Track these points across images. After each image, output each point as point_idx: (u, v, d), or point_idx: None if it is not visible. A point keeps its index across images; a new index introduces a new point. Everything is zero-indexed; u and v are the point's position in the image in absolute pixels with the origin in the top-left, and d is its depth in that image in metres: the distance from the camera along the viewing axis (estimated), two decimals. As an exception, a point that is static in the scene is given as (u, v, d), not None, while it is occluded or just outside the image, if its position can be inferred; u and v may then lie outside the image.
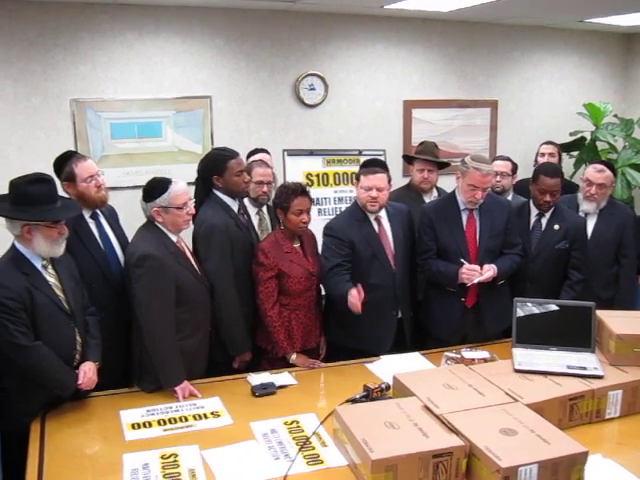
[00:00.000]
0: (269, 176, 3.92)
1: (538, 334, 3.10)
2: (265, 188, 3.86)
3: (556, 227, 3.79)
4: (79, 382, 2.78)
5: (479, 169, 3.43)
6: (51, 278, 2.81)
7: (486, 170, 3.45)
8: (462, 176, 3.51)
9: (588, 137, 6.17)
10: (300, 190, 3.44)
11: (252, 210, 3.74)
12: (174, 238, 3.13)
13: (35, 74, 4.88)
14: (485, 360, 3.11)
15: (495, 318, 3.59)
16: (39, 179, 2.77)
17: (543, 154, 5.12)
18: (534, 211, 3.88)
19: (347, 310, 3.28)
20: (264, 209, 3.81)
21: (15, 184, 2.75)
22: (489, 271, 3.44)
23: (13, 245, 2.77)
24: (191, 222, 3.27)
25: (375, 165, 3.60)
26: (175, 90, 5.25)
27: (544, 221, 3.84)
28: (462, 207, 3.58)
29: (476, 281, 3.42)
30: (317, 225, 3.84)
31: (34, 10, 4.77)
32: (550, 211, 3.84)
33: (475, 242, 3.57)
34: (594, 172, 3.91)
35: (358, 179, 3.56)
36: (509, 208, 3.73)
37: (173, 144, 5.29)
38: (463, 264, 3.46)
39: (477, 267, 3.44)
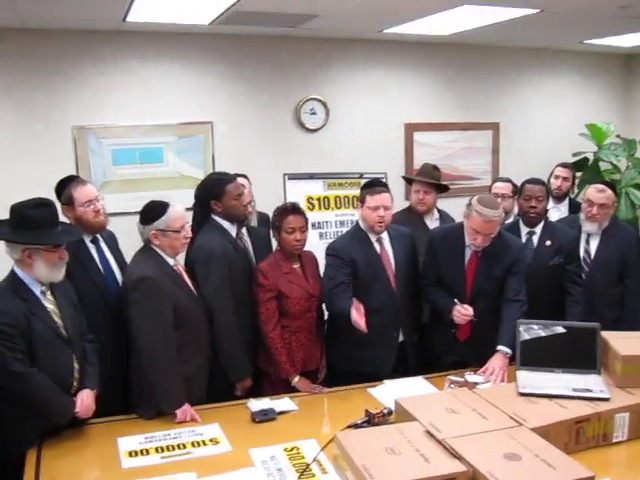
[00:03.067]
0: (248, 196, 3.85)
1: (542, 356, 3.06)
2: (249, 209, 3.81)
3: (548, 243, 3.80)
4: (76, 410, 2.74)
5: (481, 214, 3.28)
6: (49, 304, 2.78)
7: (489, 216, 3.27)
8: (466, 217, 3.41)
9: (591, 158, 6.17)
10: (291, 208, 3.45)
11: (232, 232, 3.67)
12: (171, 261, 3.12)
13: (37, 101, 4.91)
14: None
15: (488, 348, 3.40)
16: (40, 203, 2.78)
17: (557, 177, 5.04)
18: (524, 230, 3.89)
19: (349, 327, 3.21)
20: (244, 230, 3.77)
21: (16, 208, 2.75)
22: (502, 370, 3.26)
23: (12, 270, 2.76)
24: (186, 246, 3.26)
25: (378, 185, 3.61)
26: (176, 116, 5.27)
27: (535, 238, 3.85)
28: (467, 243, 3.50)
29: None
30: (319, 249, 3.82)
31: (36, 38, 4.81)
32: (540, 227, 3.85)
33: (472, 281, 3.51)
34: (595, 192, 3.89)
35: (363, 200, 3.53)
36: (517, 250, 3.58)
37: (175, 169, 5.30)
38: (456, 303, 3.42)
39: (470, 310, 3.37)
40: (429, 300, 3.65)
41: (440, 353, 3.61)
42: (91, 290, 3.16)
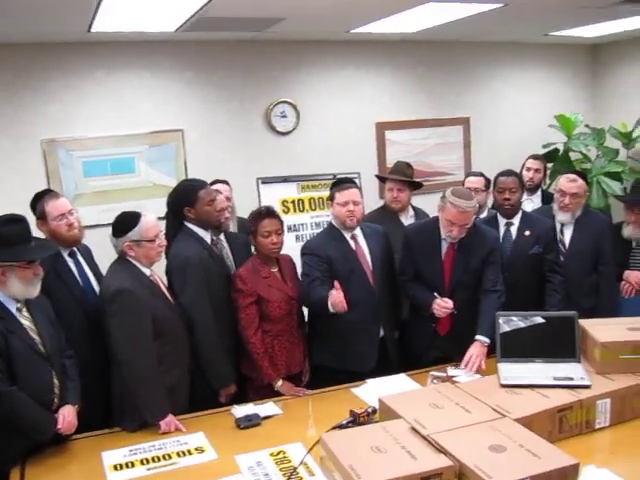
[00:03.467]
0: (223, 202, 3.83)
1: (522, 347, 3.08)
2: (226, 214, 3.80)
3: (527, 233, 3.83)
4: (58, 426, 2.70)
5: (455, 205, 3.31)
6: (26, 321, 2.74)
7: (463, 207, 3.30)
8: (441, 210, 3.44)
9: (561, 148, 6.23)
10: (265, 212, 3.45)
11: (207, 238, 3.62)
12: (147, 272, 3.10)
13: (5, 116, 4.86)
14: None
15: (469, 342, 3.41)
16: (11, 219, 2.74)
17: (529, 169, 5.09)
18: (502, 221, 3.93)
19: (329, 324, 3.28)
20: (222, 236, 3.75)
21: None
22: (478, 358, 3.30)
23: (-14, 288, 2.72)
24: (164, 256, 3.24)
25: (345, 182, 3.64)
26: (147, 125, 5.24)
27: (513, 229, 3.88)
28: (443, 236, 3.52)
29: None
30: (295, 251, 3.81)
31: (1, 52, 4.75)
32: (518, 218, 3.89)
33: (450, 274, 3.53)
34: (567, 182, 3.93)
35: (332, 198, 3.57)
36: (492, 240, 3.62)
37: (147, 179, 5.26)
38: (436, 297, 3.44)
39: (450, 303, 3.39)
40: (408, 295, 3.66)
41: (422, 350, 3.62)
42: (70, 303, 3.14)
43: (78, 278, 3.26)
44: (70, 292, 3.17)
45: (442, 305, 3.40)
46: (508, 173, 4.03)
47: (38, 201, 3.27)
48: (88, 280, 3.31)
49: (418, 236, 3.63)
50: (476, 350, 3.31)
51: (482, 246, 3.52)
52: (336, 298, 3.17)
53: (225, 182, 4.27)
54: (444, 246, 3.54)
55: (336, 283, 3.21)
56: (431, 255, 3.55)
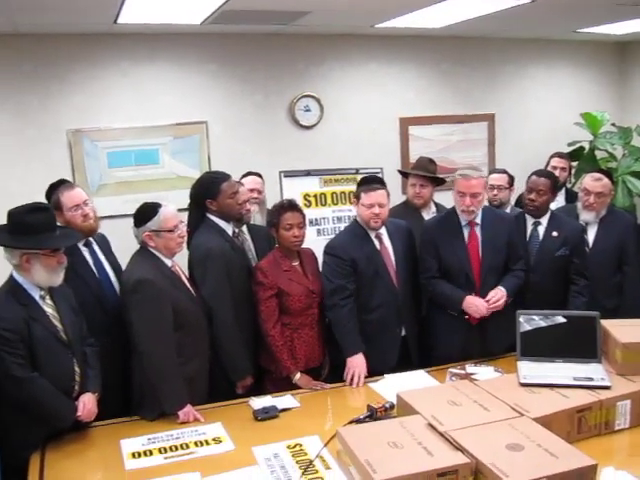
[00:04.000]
0: (245, 194, 3.86)
1: (543, 346, 3.06)
2: (248, 206, 3.82)
3: (555, 234, 3.76)
4: (78, 413, 2.74)
5: (462, 175, 3.48)
6: (49, 309, 2.78)
7: (469, 175, 3.46)
8: (453, 190, 3.53)
9: (587, 147, 6.16)
10: (287, 205, 3.45)
11: (228, 231, 3.60)
12: (169, 262, 3.12)
13: (32, 106, 4.91)
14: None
15: (499, 336, 3.49)
16: (37, 208, 2.77)
17: (554, 167, 5.03)
18: (530, 220, 3.86)
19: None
20: (244, 229, 3.77)
21: (13, 214, 2.74)
22: (501, 299, 3.39)
23: (11, 276, 2.75)
24: (186, 247, 3.26)
25: (374, 182, 3.59)
26: (171, 117, 5.26)
27: (541, 229, 3.81)
28: (463, 223, 3.54)
29: (487, 314, 3.39)
30: (317, 245, 3.82)
31: (29, 43, 4.81)
32: (547, 218, 3.82)
33: (478, 258, 3.52)
34: (592, 181, 3.89)
35: (358, 197, 3.54)
36: (511, 222, 3.69)
37: (170, 170, 5.29)
38: (468, 293, 3.44)
39: (483, 302, 3.40)
40: (435, 293, 3.59)
41: (453, 345, 3.56)
42: (86, 294, 3.14)
43: (94, 269, 3.28)
44: (85, 282, 3.18)
45: (477, 304, 3.39)
46: (541, 173, 3.94)
47: (53, 192, 3.28)
48: (104, 271, 3.32)
49: (438, 227, 3.63)
50: (498, 293, 3.38)
51: (502, 224, 3.60)
52: (355, 376, 3.29)
53: (258, 174, 4.29)
54: (466, 232, 3.54)
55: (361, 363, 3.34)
56: (455, 243, 3.53)
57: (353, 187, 4.15)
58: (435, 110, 6.12)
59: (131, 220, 3.18)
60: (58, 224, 2.97)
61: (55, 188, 3.29)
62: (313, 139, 5.71)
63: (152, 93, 5.21)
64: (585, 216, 3.92)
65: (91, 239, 3.32)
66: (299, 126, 5.65)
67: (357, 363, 3.33)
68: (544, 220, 3.83)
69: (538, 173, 3.93)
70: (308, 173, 4.99)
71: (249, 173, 4.37)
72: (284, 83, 5.57)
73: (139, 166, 5.20)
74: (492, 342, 3.53)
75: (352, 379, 3.31)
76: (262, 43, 5.43)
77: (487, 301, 3.38)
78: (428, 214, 4.23)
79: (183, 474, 2.42)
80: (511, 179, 4.59)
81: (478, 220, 3.55)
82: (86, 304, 3.09)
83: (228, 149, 5.42)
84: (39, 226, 2.71)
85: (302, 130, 5.67)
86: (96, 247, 3.34)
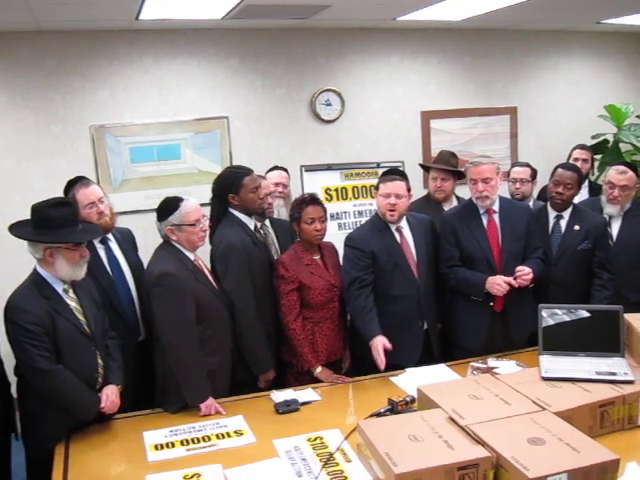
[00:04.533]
0: (268, 188, 3.87)
1: (565, 340, 3.03)
2: (269, 199, 3.82)
3: (576, 228, 3.72)
4: (101, 405, 2.77)
5: (472, 163, 3.53)
6: (72, 302, 2.82)
7: (479, 161, 3.52)
8: (468, 181, 3.59)
9: (611, 139, 6.09)
10: (309, 199, 3.46)
11: (250, 225, 3.61)
12: (191, 256, 3.14)
13: (55, 102, 4.97)
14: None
15: (521, 324, 3.52)
16: (60, 202, 2.81)
17: (576, 159, 4.99)
18: (552, 213, 3.82)
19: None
20: (267, 222, 3.79)
21: (36, 208, 2.77)
22: (528, 274, 3.37)
23: (35, 269, 2.79)
24: (208, 241, 3.27)
25: (394, 173, 3.60)
26: (192, 112, 5.30)
27: (563, 223, 3.78)
28: (481, 211, 3.57)
29: (516, 282, 3.37)
30: (338, 239, 3.81)
31: (52, 40, 4.86)
32: (569, 212, 3.78)
33: (498, 245, 3.52)
34: (616, 174, 3.84)
35: (377, 188, 3.56)
36: (528, 212, 3.71)
37: (192, 165, 5.33)
38: (490, 274, 3.43)
39: (506, 279, 3.37)
40: (457, 280, 3.57)
41: (477, 336, 3.56)
42: (98, 292, 3.09)
43: (107, 267, 3.30)
44: (97, 281, 3.17)
45: (499, 283, 3.37)
46: (568, 167, 3.88)
47: (69, 189, 3.30)
48: (119, 270, 3.34)
49: (457, 217, 3.64)
50: (524, 268, 3.39)
51: (521, 212, 3.63)
52: (378, 356, 3.22)
53: (284, 169, 4.30)
54: (484, 219, 3.56)
55: (384, 342, 3.25)
56: (475, 230, 3.54)
57: (374, 181, 4.14)
58: (457, 103, 6.09)
59: (154, 215, 3.20)
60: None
61: (72, 185, 3.31)
62: (334, 133, 5.71)
63: (174, 89, 5.25)
64: (609, 209, 3.87)
65: (108, 236, 3.34)
66: (320, 120, 5.65)
67: (378, 342, 3.26)
68: (566, 214, 3.79)
69: (564, 166, 3.88)
70: (329, 167, 5.00)
71: (275, 167, 4.39)
72: (305, 77, 5.57)
73: (161, 161, 5.24)
74: (515, 331, 3.55)
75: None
76: (283, 37, 5.44)
77: (515, 278, 3.36)
78: (449, 208, 4.20)
79: (205, 466, 2.44)
80: (534, 172, 4.55)
81: (495, 208, 3.58)
82: None
83: (249, 144, 5.44)
84: (62, 220, 2.74)
85: (323, 124, 5.67)
86: (113, 244, 3.37)
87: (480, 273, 3.47)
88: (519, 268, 3.39)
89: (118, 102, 5.12)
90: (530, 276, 3.38)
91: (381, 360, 3.19)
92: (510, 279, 3.36)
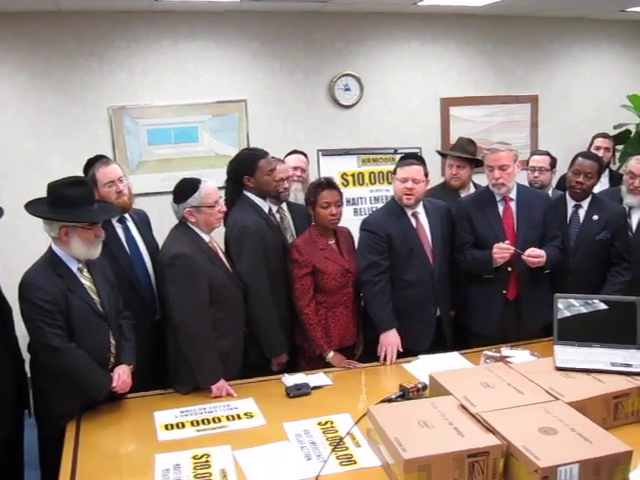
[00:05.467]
0: (287, 171, 3.86)
1: (580, 331, 3.00)
2: (286, 184, 3.81)
3: (595, 217, 3.67)
4: (113, 385, 2.78)
5: (490, 149, 3.53)
6: (86, 281, 2.82)
7: (496, 147, 3.51)
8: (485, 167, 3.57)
9: (633, 129, 6.00)
10: (325, 183, 3.44)
11: (273, 208, 3.67)
12: (206, 238, 3.13)
13: (73, 83, 4.98)
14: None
15: (536, 313, 3.49)
16: (76, 182, 2.81)
17: (598, 147, 4.94)
18: (570, 203, 3.77)
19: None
20: (284, 206, 3.78)
21: (52, 187, 2.78)
22: (540, 255, 3.33)
23: (50, 248, 2.80)
24: (223, 223, 3.27)
25: (411, 158, 3.59)
26: (210, 95, 5.29)
27: (582, 212, 3.73)
28: (498, 198, 3.54)
29: (524, 255, 3.33)
30: (353, 225, 3.79)
31: (71, 20, 4.86)
32: (587, 202, 3.73)
33: (513, 232, 3.50)
34: (637, 164, 3.77)
35: (395, 173, 3.54)
36: (547, 200, 3.68)
37: (209, 148, 5.32)
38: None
39: (510, 246, 3.35)
40: (467, 261, 3.55)
41: (491, 324, 3.54)
42: (116, 270, 3.14)
43: (125, 246, 3.30)
44: (115, 259, 3.19)
45: (501, 247, 3.35)
46: (588, 155, 3.84)
47: (90, 167, 3.31)
48: (137, 249, 3.34)
49: (473, 203, 3.62)
50: (537, 249, 3.38)
51: (538, 201, 3.60)
52: (388, 349, 3.25)
53: (302, 153, 4.29)
54: (500, 207, 3.54)
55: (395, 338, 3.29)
56: (490, 217, 3.53)
57: (391, 167, 4.11)
58: (477, 90, 6.04)
59: (169, 197, 3.19)
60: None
61: (92, 164, 3.32)
62: (352, 118, 5.68)
63: (192, 71, 5.24)
64: (629, 200, 3.81)
65: (126, 216, 3.34)
66: (338, 105, 5.62)
67: (390, 340, 3.32)
68: (585, 203, 3.74)
69: (584, 155, 3.83)
70: (346, 152, 4.97)
71: (294, 151, 4.37)
72: (324, 62, 5.54)
73: (178, 144, 5.25)
74: (528, 319, 3.53)
75: (385, 357, 3.30)
76: (302, 21, 5.41)
77: (528, 256, 3.33)
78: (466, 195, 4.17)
79: (214, 447, 2.44)
80: (553, 161, 4.50)
81: (513, 195, 3.55)
82: (115, 279, 3.09)
83: (266, 127, 5.43)
84: (78, 199, 2.74)
85: (341, 109, 5.64)
86: (131, 224, 3.37)
87: (489, 250, 3.43)
88: (531, 249, 3.36)
89: (136, 84, 5.12)
90: (541, 258, 3.33)
91: (389, 360, 3.25)
92: (505, 245, 3.35)
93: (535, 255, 3.33)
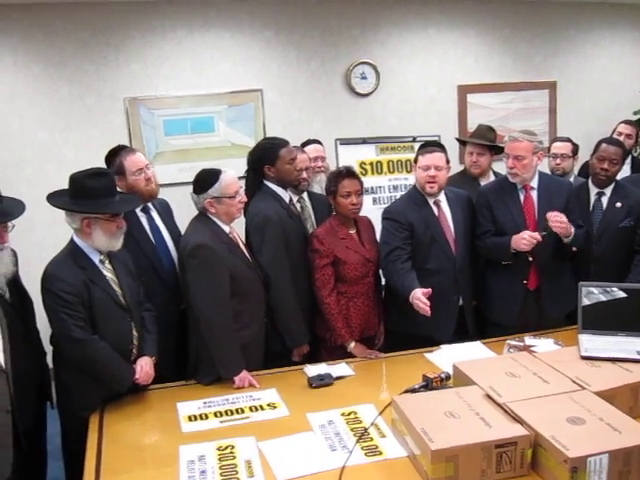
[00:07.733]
0: (307, 161, 3.82)
1: (605, 319, 2.98)
2: (305, 174, 3.78)
3: (618, 205, 3.63)
4: (136, 376, 2.79)
5: (511, 137, 3.46)
6: (108, 273, 2.82)
7: (515, 136, 3.44)
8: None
9: (653, 116, 5.92)
10: (345, 172, 3.40)
11: (293, 198, 3.64)
12: (227, 229, 3.11)
13: (88, 74, 4.99)
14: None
15: (557, 302, 3.46)
16: (98, 173, 2.80)
17: (620, 133, 4.88)
18: (593, 190, 3.73)
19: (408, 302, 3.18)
20: (305, 196, 3.76)
21: (74, 178, 2.77)
22: (565, 222, 3.26)
23: (72, 239, 2.80)
24: (243, 214, 3.25)
25: (432, 145, 3.54)
26: (226, 84, 5.27)
27: (605, 200, 3.69)
28: (519, 186, 3.50)
29: (548, 214, 3.27)
30: (372, 214, 3.77)
31: (86, 11, 4.86)
32: (610, 189, 3.69)
33: (534, 221, 3.45)
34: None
35: (416, 161, 3.50)
36: (569, 188, 3.60)
37: (226, 138, 5.31)
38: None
39: (537, 235, 3.29)
40: (487, 248, 3.51)
41: (511, 315, 3.50)
42: (141, 258, 3.15)
43: (149, 234, 3.29)
44: (141, 248, 3.19)
45: (534, 236, 3.27)
46: (612, 141, 3.78)
47: (115, 156, 3.29)
48: (161, 237, 3.34)
49: (494, 192, 3.58)
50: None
51: (560, 189, 3.54)
52: (420, 304, 3.05)
53: (318, 142, 4.26)
54: (521, 195, 3.50)
55: (425, 290, 3.07)
56: (511, 205, 3.49)
57: (410, 155, 4.09)
58: (495, 77, 5.98)
59: (187, 188, 3.18)
60: (118, 189, 2.99)
61: (116, 153, 3.31)
62: (369, 107, 5.65)
63: (207, 61, 5.22)
64: (652, 187, 3.77)
65: (150, 205, 3.34)
66: (355, 94, 5.59)
67: (419, 295, 3.12)
68: (608, 190, 3.69)
69: (608, 141, 3.77)
70: (364, 141, 4.94)
71: (308, 141, 4.33)
72: (340, 50, 5.51)
73: (195, 134, 5.24)
74: (549, 308, 3.49)
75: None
76: (318, 9, 5.37)
77: (553, 217, 3.27)
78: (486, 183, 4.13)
79: (238, 438, 2.44)
80: (575, 148, 4.45)
81: (534, 184, 3.50)
82: (140, 269, 3.10)
83: (283, 117, 5.40)
84: (100, 191, 2.73)
85: (358, 98, 5.61)
86: (154, 213, 3.36)
87: (508, 237, 3.39)
88: (556, 212, 3.30)
89: (151, 74, 5.12)
90: (566, 225, 3.26)
91: (424, 305, 3.03)
92: (536, 234, 3.28)
93: (560, 220, 3.27)
